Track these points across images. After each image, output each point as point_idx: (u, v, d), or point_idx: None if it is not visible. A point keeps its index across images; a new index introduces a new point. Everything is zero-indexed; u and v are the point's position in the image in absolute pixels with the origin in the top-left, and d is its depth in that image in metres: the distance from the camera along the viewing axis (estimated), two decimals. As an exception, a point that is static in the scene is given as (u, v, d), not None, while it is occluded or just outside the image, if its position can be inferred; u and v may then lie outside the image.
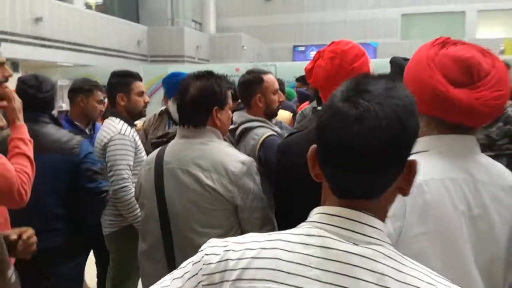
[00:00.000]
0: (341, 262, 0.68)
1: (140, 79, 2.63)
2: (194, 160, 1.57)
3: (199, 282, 0.74)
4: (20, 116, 1.70)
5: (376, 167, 0.68)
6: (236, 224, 1.61)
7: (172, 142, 1.70)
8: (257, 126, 2.08)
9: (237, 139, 2.13)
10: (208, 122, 1.62)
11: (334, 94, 0.73)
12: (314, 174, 0.77)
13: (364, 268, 0.67)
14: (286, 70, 15.51)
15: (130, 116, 2.56)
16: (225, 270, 0.73)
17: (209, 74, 1.65)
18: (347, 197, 0.72)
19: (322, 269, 0.68)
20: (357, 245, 0.69)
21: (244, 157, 1.62)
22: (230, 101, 1.70)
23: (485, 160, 1.09)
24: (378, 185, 0.71)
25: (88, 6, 16.42)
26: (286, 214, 1.55)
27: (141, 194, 1.73)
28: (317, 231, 0.71)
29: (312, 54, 22.53)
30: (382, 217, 0.74)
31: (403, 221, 0.96)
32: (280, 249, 0.71)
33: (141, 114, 2.63)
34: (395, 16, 23.60)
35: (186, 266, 0.78)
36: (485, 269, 1.02)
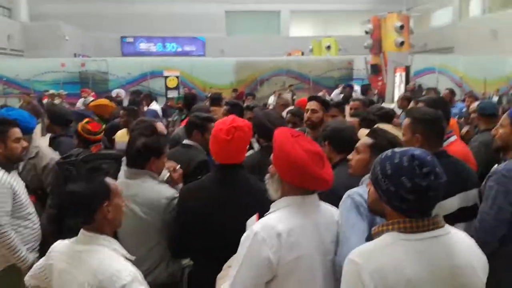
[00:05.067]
0: (72, 255, 1.67)
1: (17, 125, 2.65)
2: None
3: None
4: None
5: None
6: None
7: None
8: None
9: None
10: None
11: None
12: None
13: (81, 257, 1.64)
14: (117, 66, 14.94)
15: (9, 161, 2.60)
16: None
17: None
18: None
19: (65, 261, 1.68)
20: (86, 245, 1.66)
21: None
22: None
23: (323, 206, 1.74)
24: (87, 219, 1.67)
25: None
26: None
27: None
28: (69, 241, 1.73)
29: (142, 46, 21.83)
30: (103, 231, 1.68)
31: (280, 252, 1.54)
32: None
33: (19, 159, 2.72)
34: (219, 12, 24.86)
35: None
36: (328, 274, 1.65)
